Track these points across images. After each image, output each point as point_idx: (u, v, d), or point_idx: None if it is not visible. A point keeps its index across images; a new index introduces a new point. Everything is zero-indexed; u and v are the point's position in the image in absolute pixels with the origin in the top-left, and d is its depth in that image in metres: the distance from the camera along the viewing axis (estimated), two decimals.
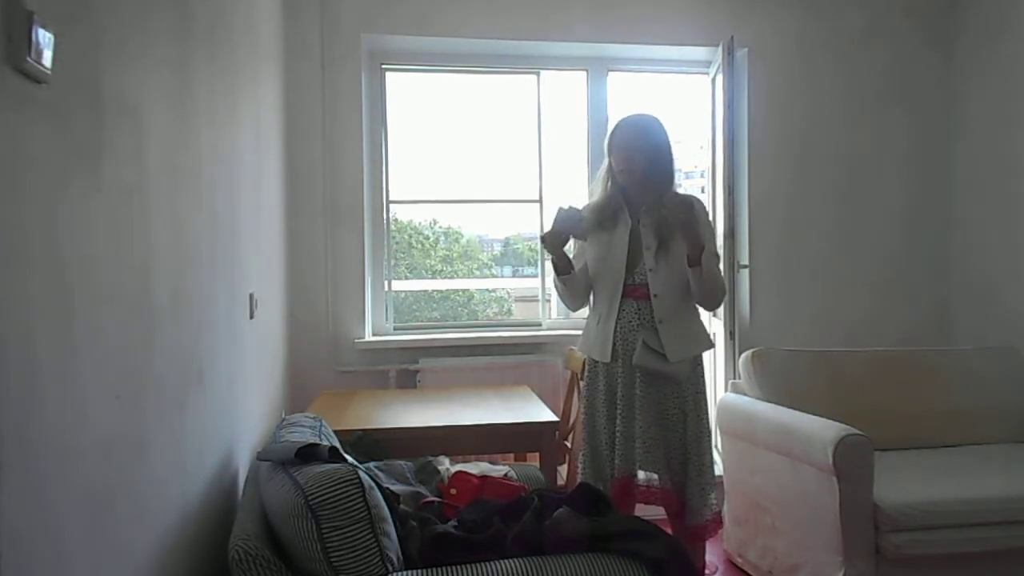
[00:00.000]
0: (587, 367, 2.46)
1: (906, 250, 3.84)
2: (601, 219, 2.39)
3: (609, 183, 2.43)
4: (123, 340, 1.35)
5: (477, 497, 2.05)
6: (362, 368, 3.47)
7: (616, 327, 2.35)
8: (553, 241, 2.33)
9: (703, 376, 2.42)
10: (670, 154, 2.40)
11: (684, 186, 5.06)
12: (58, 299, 1.10)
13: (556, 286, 2.47)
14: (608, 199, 2.41)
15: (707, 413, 2.40)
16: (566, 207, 2.32)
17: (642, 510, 2.36)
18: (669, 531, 2.14)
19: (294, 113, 3.37)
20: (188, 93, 1.78)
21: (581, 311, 2.61)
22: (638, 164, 2.35)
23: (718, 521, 2.36)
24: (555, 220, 2.31)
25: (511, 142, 3.84)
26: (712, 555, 3.10)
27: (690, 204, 2.26)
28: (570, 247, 2.46)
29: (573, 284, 2.41)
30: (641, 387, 2.32)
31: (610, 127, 2.50)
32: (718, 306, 3.08)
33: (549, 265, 2.51)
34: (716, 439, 3.45)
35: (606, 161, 2.44)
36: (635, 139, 2.36)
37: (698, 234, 2.24)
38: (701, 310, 2.51)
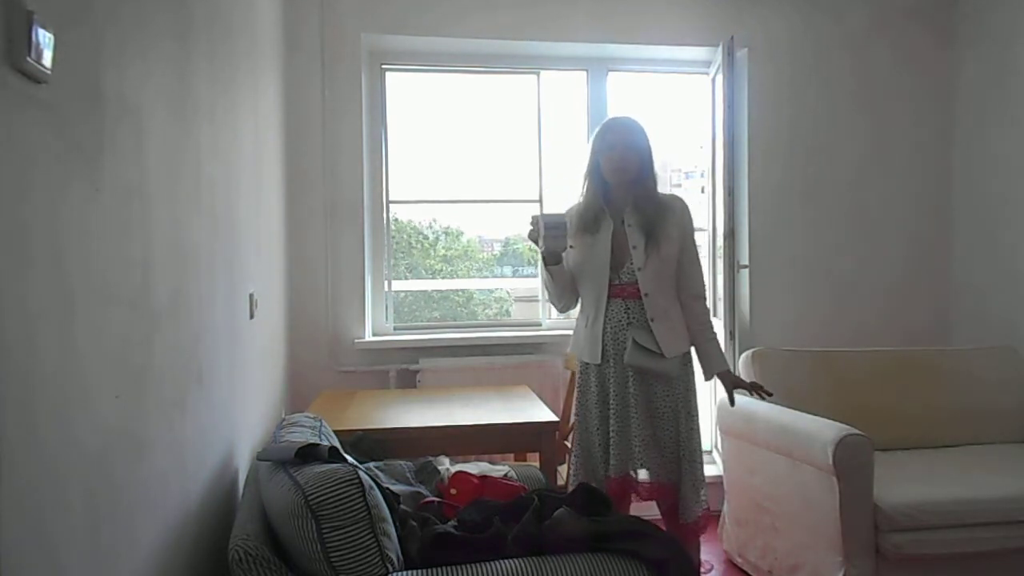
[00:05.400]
0: (578, 368, 2.47)
1: (906, 250, 3.84)
2: (585, 222, 2.40)
3: (587, 185, 2.43)
4: (123, 340, 1.35)
5: (477, 497, 2.05)
6: (362, 368, 3.47)
7: (605, 328, 2.35)
8: (554, 259, 2.32)
9: (693, 373, 2.42)
10: (653, 156, 2.43)
11: (684, 186, 5.07)
12: (58, 299, 1.10)
13: (545, 283, 2.45)
14: (592, 201, 2.41)
15: (697, 410, 2.41)
16: (544, 216, 2.27)
17: (640, 510, 2.36)
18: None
19: (294, 113, 3.37)
20: (188, 93, 1.78)
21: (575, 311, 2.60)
22: (632, 163, 2.36)
23: (708, 517, 2.38)
24: (543, 237, 2.25)
25: (511, 142, 3.84)
26: (709, 554, 3.10)
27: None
28: None
29: (561, 277, 2.39)
30: (634, 386, 2.32)
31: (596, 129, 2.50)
32: None
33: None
34: (716, 439, 3.46)
35: (587, 163, 2.44)
36: (628, 139, 2.37)
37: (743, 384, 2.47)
38: None
